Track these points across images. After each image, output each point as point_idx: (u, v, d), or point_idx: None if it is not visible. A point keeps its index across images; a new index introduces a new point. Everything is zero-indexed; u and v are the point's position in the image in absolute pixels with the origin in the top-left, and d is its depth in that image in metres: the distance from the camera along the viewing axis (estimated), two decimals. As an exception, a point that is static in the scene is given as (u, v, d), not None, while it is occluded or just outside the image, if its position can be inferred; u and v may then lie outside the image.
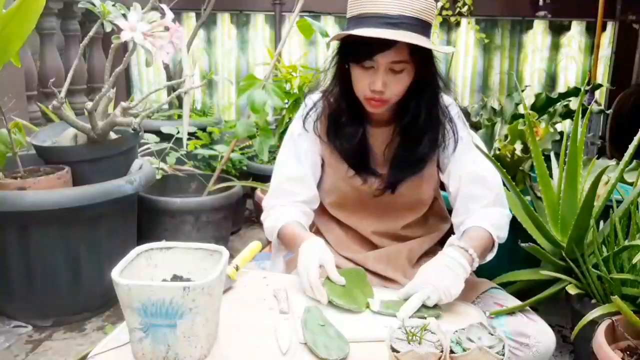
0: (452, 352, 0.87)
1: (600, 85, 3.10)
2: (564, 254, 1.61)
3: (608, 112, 3.43)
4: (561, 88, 4.30)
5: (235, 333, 1.04)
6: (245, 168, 3.06)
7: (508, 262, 1.60)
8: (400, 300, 1.13)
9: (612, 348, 1.24)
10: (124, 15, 1.63)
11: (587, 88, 2.88)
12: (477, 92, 4.39)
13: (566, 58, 4.34)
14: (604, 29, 4.07)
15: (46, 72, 2.80)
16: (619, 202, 1.68)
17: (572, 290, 1.53)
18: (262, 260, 1.56)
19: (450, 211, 1.40)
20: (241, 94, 2.17)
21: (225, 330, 1.03)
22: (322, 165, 1.42)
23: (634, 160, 1.92)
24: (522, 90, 3.29)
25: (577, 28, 4.27)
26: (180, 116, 3.33)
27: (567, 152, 1.65)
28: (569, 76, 4.35)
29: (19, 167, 1.95)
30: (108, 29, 1.73)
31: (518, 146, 2.01)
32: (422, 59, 1.22)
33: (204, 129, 3.09)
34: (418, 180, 1.34)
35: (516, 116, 2.46)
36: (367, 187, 1.35)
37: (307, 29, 2.15)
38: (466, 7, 4.00)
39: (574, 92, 2.53)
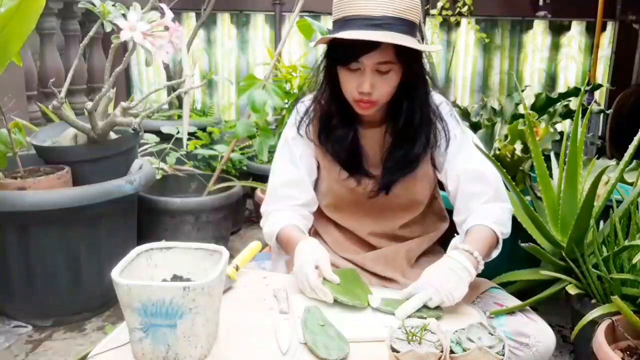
0: (452, 352, 0.87)
1: (600, 85, 3.09)
2: (564, 254, 1.61)
3: (608, 112, 3.42)
4: (561, 88, 4.30)
5: (235, 333, 1.04)
6: (245, 168, 3.06)
7: (508, 262, 1.60)
8: (401, 299, 1.13)
9: (612, 348, 1.23)
10: (124, 15, 1.63)
11: (587, 88, 2.88)
12: (477, 92, 4.39)
13: (566, 58, 4.34)
14: (603, 29, 4.08)
15: (46, 72, 2.80)
16: (619, 202, 1.67)
17: (572, 290, 1.53)
18: (262, 260, 1.56)
19: (450, 210, 1.40)
20: (241, 94, 2.17)
21: (225, 330, 1.03)
22: (318, 168, 1.42)
23: (634, 160, 1.92)
24: (522, 90, 3.29)
25: (577, 28, 4.27)
26: (180, 116, 3.33)
27: (567, 152, 1.64)
28: (569, 76, 4.35)
29: (19, 167, 1.95)
30: (108, 28, 1.74)
31: (518, 146, 2.01)
32: (408, 59, 1.21)
33: (204, 129, 3.10)
34: (412, 181, 1.34)
35: (516, 116, 2.45)
36: (361, 189, 1.35)
37: (307, 29, 2.15)
38: (466, 7, 4.00)
39: (574, 92, 2.52)
